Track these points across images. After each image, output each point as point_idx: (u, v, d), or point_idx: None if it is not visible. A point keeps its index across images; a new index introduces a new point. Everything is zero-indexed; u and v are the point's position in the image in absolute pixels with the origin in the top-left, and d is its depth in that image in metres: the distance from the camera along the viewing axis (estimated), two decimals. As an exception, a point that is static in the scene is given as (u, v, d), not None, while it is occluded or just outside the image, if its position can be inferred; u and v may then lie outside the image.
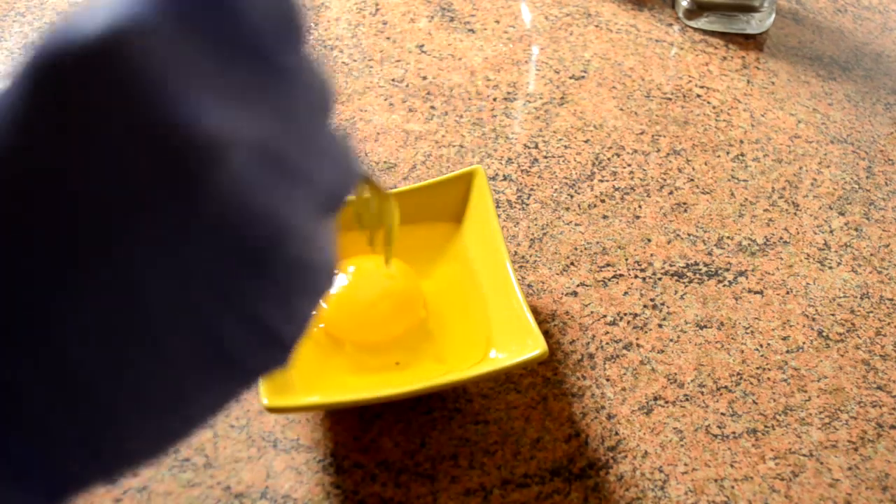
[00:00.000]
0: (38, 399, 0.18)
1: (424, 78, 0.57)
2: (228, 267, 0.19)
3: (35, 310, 0.17)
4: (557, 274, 0.46)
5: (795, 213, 0.50)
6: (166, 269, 0.18)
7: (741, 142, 0.54)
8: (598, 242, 0.48)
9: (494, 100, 0.56)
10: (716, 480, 0.39)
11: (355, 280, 0.41)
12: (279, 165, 0.19)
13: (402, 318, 0.42)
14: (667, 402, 0.41)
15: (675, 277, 0.47)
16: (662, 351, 0.43)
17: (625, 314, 0.45)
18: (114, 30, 0.16)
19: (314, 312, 0.22)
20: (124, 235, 0.17)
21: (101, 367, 0.18)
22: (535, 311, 0.44)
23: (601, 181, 0.51)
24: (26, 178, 0.17)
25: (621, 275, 0.47)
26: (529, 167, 0.52)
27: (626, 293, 0.46)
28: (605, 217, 0.49)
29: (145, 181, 0.17)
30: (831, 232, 0.50)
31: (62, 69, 0.16)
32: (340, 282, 0.41)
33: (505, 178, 0.51)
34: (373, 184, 0.31)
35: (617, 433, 0.40)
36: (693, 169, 0.52)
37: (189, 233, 0.18)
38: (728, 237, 0.49)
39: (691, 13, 0.62)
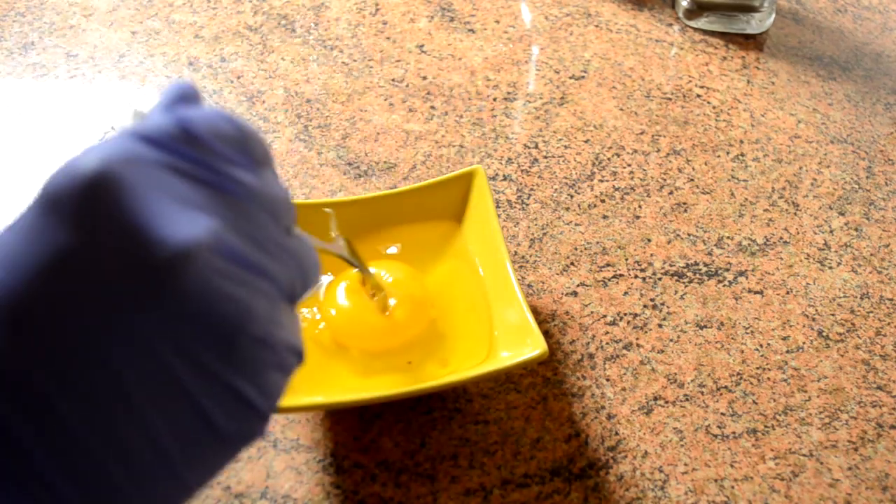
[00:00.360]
0: (39, 458, 0.20)
1: (424, 78, 0.57)
2: (202, 349, 0.22)
3: (38, 398, 0.20)
4: (557, 274, 0.46)
5: (795, 213, 0.50)
6: (147, 359, 0.21)
7: (741, 142, 0.54)
8: (598, 242, 0.48)
9: (494, 100, 0.56)
10: (716, 480, 0.39)
11: (363, 291, 0.41)
12: (240, 263, 0.23)
13: (411, 326, 0.41)
14: (667, 402, 0.41)
15: (675, 277, 0.47)
16: (662, 351, 0.43)
17: (625, 314, 0.45)
18: (99, 167, 0.20)
19: (284, 388, 0.25)
20: (110, 335, 0.21)
21: (95, 440, 0.21)
22: (535, 311, 0.44)
23: (601, 181, 0.51)
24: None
25: (621, 275, 0.47)
26: (529, 167, 0.52)
27: (626, 293, 0.46)
28: (605, 217, 0.49)
29: (123, 287, 0.21)
30: (831, 232, 0.50)
31: (59, 202, 0.20)
32: (349, 292, 0.41)
33: (505, 178, 0.51)
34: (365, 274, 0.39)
35: (617, 433, 0.40)
36: (693, 169, 0.52)
37: (166, 325, 0.21)
38: (728, 237, 0.49)
39: (691, 13, 0.62)
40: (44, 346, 0.20)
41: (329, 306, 0.41)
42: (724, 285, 0.46)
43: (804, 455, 0.40)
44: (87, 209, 0.20)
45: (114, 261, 0.20)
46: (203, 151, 0.23)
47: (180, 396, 0.21)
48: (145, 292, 0.21)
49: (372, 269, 0.41)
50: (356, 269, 0.39)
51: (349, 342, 0.41)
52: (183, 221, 0.21)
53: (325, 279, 0.43)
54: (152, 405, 0.21)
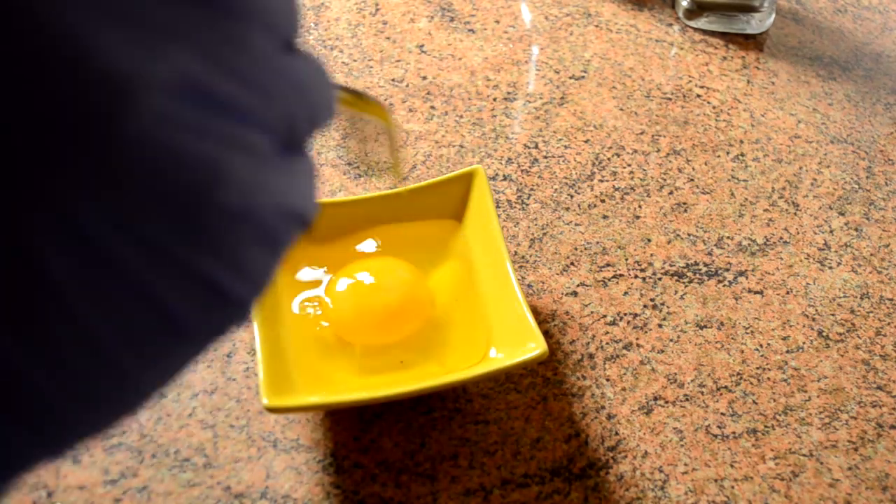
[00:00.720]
0: None
1: (424, 78, 0.57)
2: (152, 224, 0.16)
3: None
4: (557, 274, 0.46)
5: (795, 213, 0.50)
6: (74, 237, 0.16)
7: (741, 142, 0.54)
8: (598, 242, 0.48)
9: (494, 100, 0.56)
10: (716, 480, 0.39)
11: (364, 282, 0.41)
12: (209, 104, 0.17)
13: (414, 318, 0.42)
14: (667, 402, 0.41)
15: (675, 277, 0.47)
16: (662, 351, 0.43)
17: (625, 314, 0.45)
18: None
19: (274, 266, 0.19)
20: (24, 191, 0.15)
21: (14, 341, 0.16)
22: (535, 311, 0.44)
23: (601, 181, 0.51)
24: None
25: (621, 275, 0.47)
26: (529, 167, 0.52)
27: (626, 293, 0.46)
28: (605, 217, 0.49)
29: (44, 127, 0.15)
30: (831, 232, 0.50)
31: None
32: (350, 286, 0.41)
33: (505, 178, 0.51)
34: (365, 100, 0.28)
35: (617, 433, 0.40)
36: (693, 169, 0.52)
37: (102, 184, 0.15)
38: (728, 237, 0.49)
39: (691, 13, 0.62)
40: None
41: (330, 300, 0.42)
42: (724, 285, 0.46)
43: (804, 455, 0.40)
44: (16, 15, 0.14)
45: (28, 81, 0.14)
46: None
47: (124, 285, 0.16)
48: (71, 145, 0.15)
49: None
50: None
51: (349, 335, 0.41)
52: (136, 48, 0.15)
53: (326, 277, 0.43)
54: (87, 297, 0.16)
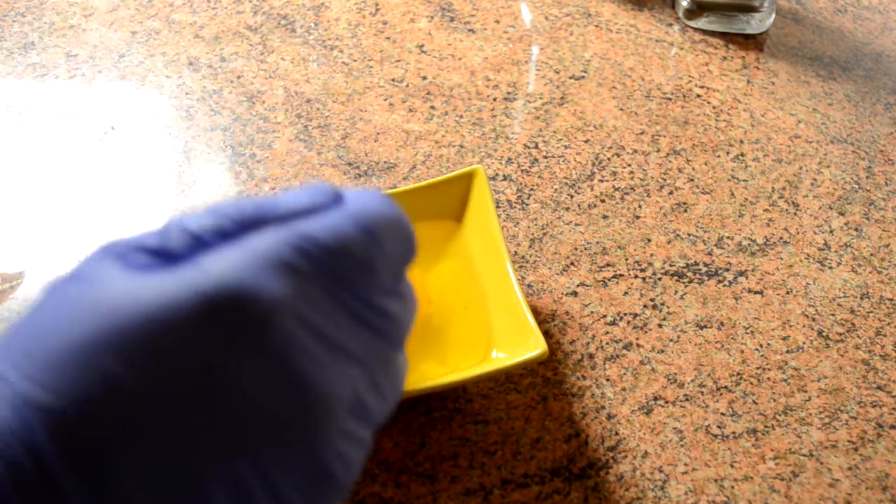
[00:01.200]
0: None
1: (424, 78, 0.57)
2: (287, 478, 0.21)
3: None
4: (557, 274, 0.46)
5: (795, 213, 0.50)
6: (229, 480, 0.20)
7: (741, 142, 0.54)
8: (598, 242, 0.48)
9: (494, 100, 0.56)
10: (716, 480, 0.39)
11: None
12: (362, 416, 0.23)
13: None
14: (667, 402, 0.41)
15: (675, 277, 0.47)
16: (662, 351, 0.43)
17: (625, 314, 0.45)
18: (266, 286, 0.20)
19: (363, 460, 0.24)
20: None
21: None
22: (535, 311, 0.44)
23: (601, 181, 0.51)
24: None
25: (621, 275, 0.47)
26: (529, 167, 0.52)
27: (626, 293, 0.46)
28: (605, 217, 0.49)
29: (265, 417, 0.20)
30: (831, 232, 0.50)
31: (226, 308, 0.20)
32: None
33: (505, 178, 0.51)
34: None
35: (617, 433, 0.40)
36: (693, 169, 0.52)
37: (291, 468, 0.21)
38: (728, 237, 0.49)
39: (691, 13, 0.62)
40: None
41: None
42: (724, 285, 0.46)
43: (804, 455, 0.40)
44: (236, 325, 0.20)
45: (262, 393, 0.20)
46: (350, 276, 0.23)
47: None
48: (275, 439, 0.20)
49: None
50: None
51: None
52: (331, 372, 0.21)
53: None
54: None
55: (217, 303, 0.20)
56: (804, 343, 0.44)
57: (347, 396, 0.22)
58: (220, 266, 0.20)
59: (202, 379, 0.20)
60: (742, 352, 0.44)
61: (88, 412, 0.19)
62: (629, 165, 0.52)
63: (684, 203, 0.50)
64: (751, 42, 0.62)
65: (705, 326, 0.44)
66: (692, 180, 0.52)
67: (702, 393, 0.42)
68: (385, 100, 0.56)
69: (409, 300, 0.25)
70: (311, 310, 0.21)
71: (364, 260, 0.23)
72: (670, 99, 0.57)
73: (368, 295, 0.23)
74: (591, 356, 0.43)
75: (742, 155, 0.54)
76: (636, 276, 0.47)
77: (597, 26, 0.62)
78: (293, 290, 0.21)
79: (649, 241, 0.48)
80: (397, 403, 0.26)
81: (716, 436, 0.40)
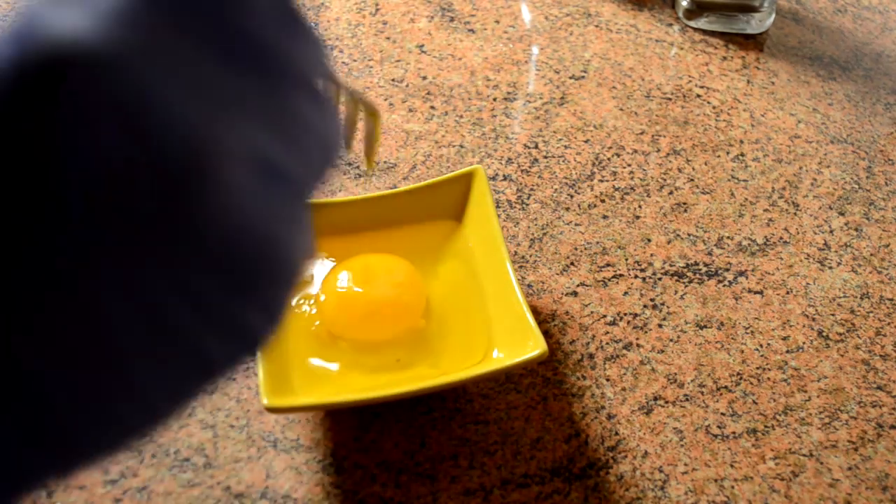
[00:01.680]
0: (27, 357, 0.17)
1: (424, 78, 0.57)
2: (207, 280, 0.18)
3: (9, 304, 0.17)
4: (557, 274, 0.46)
5: (795, 213, 0.50)
6: (135, 282, 0.17)
7: (741, 142, 0.54)
8: (598, 242, 0.48)
9: (494, 100, 0.56)
10: (716, 480, 0.39)
11: (355, 278, 0.41)
12: (270, 173, 0.19)
13: (399, 320, 0.41)
14: (667, 402, 0.41)
15: (675, 277, 0.47)
16: (662, 351, 0.43)
17: (625, 314, 0.45)
18: (105, 37, 0.16)
19: (288, 302, 0.21)
20: (109, 246, 0.17)
21: (52, 362, 0.17)
22: (535, 311, 0.44)
23: (601, 181, 0.51)
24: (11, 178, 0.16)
25: (621, 275, 0.47)
26: (529, 167, 0.52)
27: (626, 293, 0.46)
28: (605, 217, 0.49)
29: (134, 195, 0.16)
30: (831, 232, 0.50)
31: (52, 72, 0.16)
32: (341, 279, 0.41)
33: (505, 178, 0.51)
34: (354, 96, 0.32)
35: (617, 433, 0.40)
36: (693, 169, 0.52)
37: (176, 247, 0.17)
38: (728, 237, 0.49)
39: (691, 13, 0.62)
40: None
41: (321, 293, 0.42)
42: (724, 285, 0.46)
43: (804, 455, 0.40)
44: (88, 83, 0.16)
45: (118, 156, 0.16)
46: (237, 24, 0.19)
47: (168, 324, 0.18)
48: (160, 204, 0.17)
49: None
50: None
51: (337, 330, 0.41)
52: (211, 121, 0.17)
53: (318, 275, 0.43)
54: (129, 331, 0.17)
55: (36, 67, 0.15)
56: (804, 343, 0.44)
57: (241, 152, 0.18)
58: (48, 21, 0.16)
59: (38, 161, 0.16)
60: (742, 352, 0.44)
61: None
62: (629, 165, 0.52)
63: (684, 203, 0.50)
64: (751, 42, 0.62)
65: (705, 326, 0.44)
66: (692, 180, 0.52)
67: (702, 393, 0.42)
68: (385, 100, 0.56)
69: (302, 31, 0.21)
70: (167, 56, 0.17)
71: None
72: (670, 99, 0.57)
73: (243, 26, 0.19)
74: (591, 356, 0.43)
75: (742, 155, 0.54)
76: (636, 276, 0.47)
77: (597, 26, 0.62)
78: (136, 36, 0.16)
79: (649, 241, 0.48)
80: (331, 158, 0.22)
81: (716, 436, 0.40)
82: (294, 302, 0.42)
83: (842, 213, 0.51)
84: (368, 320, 0.41)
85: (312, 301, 0.42)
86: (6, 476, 0.18)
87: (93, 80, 0.16)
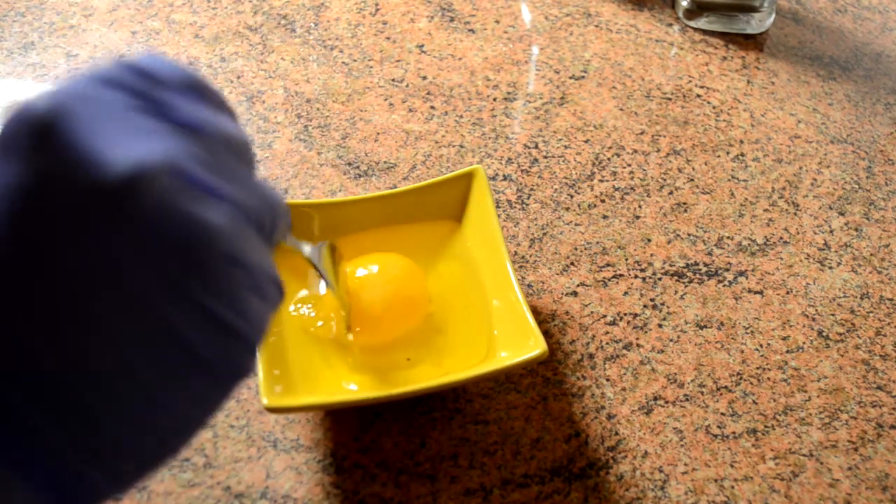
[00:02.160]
0: (32, 418, 0.20)
1: (424, 78, 0.57)
2: (172, 270, 0.21)
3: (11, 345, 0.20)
4: (557, 274, 0.46)
5: (795, 213, 0.50)
6: (116, 285, 0.21)
7: (741, 142, 0.54)
8: (598, 242, 0.48)
9: (494, 100, 0.56)
10: (716, 480, 0.39)
11: (356, 282, 0.41)
12: (202, 186, 0.22)
13: (408, 316, 0.42)
14: (667, 402, 0.41)
15: (675, 277, 0.47)
16: (662, 351, 0.43)
17: (625, 314, 0.45)
18: (50, 104, 0.21)
19: (268, 316, 0.24)
20: (77, 265, 0.21)
21: (75, 377, 0.21)
22: (535, 311, 0.44)
23: (601, 181, 0.51)
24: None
25: (621, 275, 0.47)
26: (529, 167, 0.52)
27: (626, 293, 0.46)
28: (605, 217, 0.49)
29: (85, 217, 0.20)
30: (831, 232, 0.50)
31: (11, 142, 0.20)
32: (358, 293, 0.41)
33: (505, 178, 0.51)
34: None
35: (617, 433, 0.40)
36: (693, 169, 0.52)
37: (131, 249, 0.21)
38: (728, 237, 0.49)
39: (691, 13, 0.62)
40: (16, 284, 0.20)
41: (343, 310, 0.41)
42: (724, 285, 0.46)
43: (804, 455, 0.40)
44: (38, 144, 0.20)
45: (73, 192, 0.20)
46: (159, 89, 0.23)
47: (155, 323, 0.21)
48: (105, 219, 0.20)
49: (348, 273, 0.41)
50: (322, 278, 0.38)
51: (365, 339, 0.41)
52: (137, 147, 0.21)
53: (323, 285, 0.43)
54: (128, 335, 0.21)
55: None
56: (804, 343, 0.44)
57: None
58: None
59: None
60: (742, 352, 0.44)
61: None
62: (629, 165, 0.52)
63: (684, 203, 0.50)
64: (751, 42, 0.62)
65: (705, 326, 0.44)
66: (692, 180, 0.52)
67: (702, 393, 0.42)
68: (385, 100, 0.56)
69: (208, 113, 0.25)
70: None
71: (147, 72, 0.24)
72: (670, 99, 0.57)
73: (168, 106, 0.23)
74: (591, 356, 0.43)
75: (742, 155, 0.54)
76: (636, 276, 0.47)
77: (597, 26, 0.62)
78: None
79: (649, 241, 0.48)
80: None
81: (716, 436, 0.40)
82: (293, 303, 0.42)
83: (842, 213, 0.51)
84: (376, 324, 0.41)
85: (312, 304, 0.42)
86: (63, 485, 0.21)
87: (46, 132, 0.20)
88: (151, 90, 0.23)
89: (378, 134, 0.53)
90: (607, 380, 0.42)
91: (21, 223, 0.20)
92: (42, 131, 0.20)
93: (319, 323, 0.41)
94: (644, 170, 0.52)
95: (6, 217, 0.20)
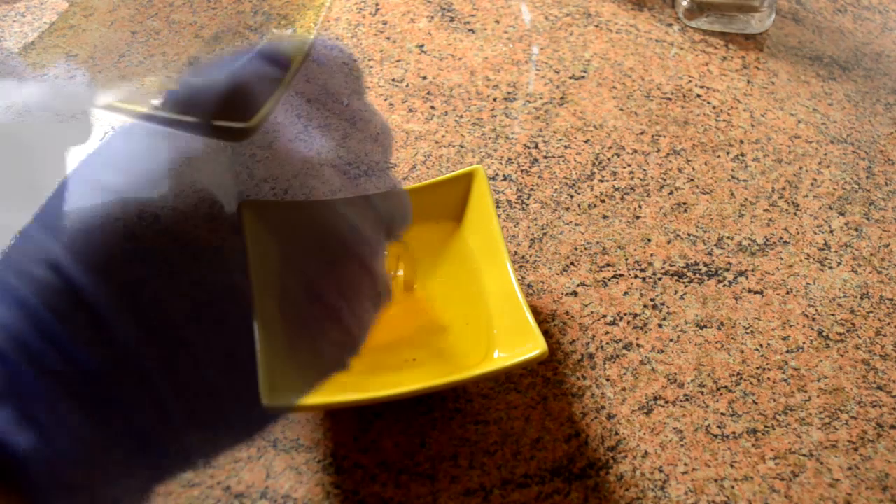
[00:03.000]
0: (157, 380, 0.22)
1: (424, 78, 0.57)
2: (311, 265, 0.23)
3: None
4: (557, 274, 0.46)
5: (795, 213, 0.50)
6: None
7: (741, 142, 0.54)
8: (598, 242, 0.48)
9: (494, 100, 0.56)
10: (716, 480, 0.39)
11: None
12: (352, 184, 0.22)
13: (407, 318, 0.42)
14: (667, 402, 0.41)
15: (675, 277, 0.47)
16: (662, 351, 0.43)
17: (625, 314, 0.45)
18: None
19: (373, 322, 0.25)
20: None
21: (210, 357, 0.23)
22: (535, 311, 0.44)
23: (601, 181, 0.51)
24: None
25: (621, 275, 0.47)
26: (529, 167, 0.52)
27: (626, 293, 0.46)
28: (605, 217, 0.49)
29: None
30: (831, 232, 0.50)
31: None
32: None
33: (505, 178, 0.51)
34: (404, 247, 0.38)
35: (617, 433, 0.40)
36: (693, 169, 0.52)
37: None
38: (728, 237, 0.49)
39: (691, 13, 0.62)
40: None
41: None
42: (724, 285, 0.46)
43: (804, 455, 0.40)
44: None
45: None
46: (322, 75, 0.25)
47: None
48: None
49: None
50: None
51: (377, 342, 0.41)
52: (307, 139, 0.22)
53: None
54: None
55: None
56: (804, 343, 0.44)
57: None
58: None
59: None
60: (742, 352, 0.44)
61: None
62: (629, 165, 0.52)
63: (684, 203, 0.50)
64: (751, 42, 0.62)
65: (705, 326, 0.44)
66: (692, 180, 0.52)
67: (702, 393, 0.42)
68: (385, 100, 0.56)
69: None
70: None
71: None
72: (670, 99, 0.57)
73: None
74: (591, 356, 0.43)
75: (742, 155, 0.54)
76: (636, 276, 0.47)
77: (597, 26, 0.62)
78: None
79: (649, 241, 0.48)
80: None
81: (716, 436, 0.40)
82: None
83: (842, 213, 0.51)
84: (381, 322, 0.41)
85: None
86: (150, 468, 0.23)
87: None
88: (315, 75, 0.23)
89: (378, 134, 0.53)
90: (607, 380, 0.42)
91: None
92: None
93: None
94: (644, 170, 0.52)
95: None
